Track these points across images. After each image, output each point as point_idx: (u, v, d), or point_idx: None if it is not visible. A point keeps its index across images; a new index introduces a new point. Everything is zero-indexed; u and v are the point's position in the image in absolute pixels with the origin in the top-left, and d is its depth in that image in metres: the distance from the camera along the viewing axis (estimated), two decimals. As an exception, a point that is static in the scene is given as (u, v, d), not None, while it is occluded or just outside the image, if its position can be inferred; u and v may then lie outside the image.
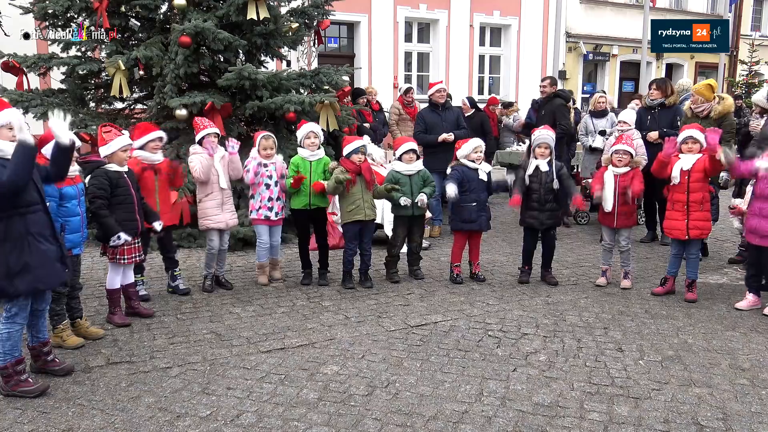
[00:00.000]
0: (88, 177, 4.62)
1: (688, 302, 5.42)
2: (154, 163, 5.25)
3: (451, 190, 5.66)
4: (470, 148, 5.86)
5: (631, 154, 5.71)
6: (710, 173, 5.34)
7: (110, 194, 4.60)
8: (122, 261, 4.75)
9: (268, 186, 5.73)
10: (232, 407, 3.54)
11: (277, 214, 5.80)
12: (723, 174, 6.57)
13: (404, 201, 5.76)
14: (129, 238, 4.66)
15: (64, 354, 4.18)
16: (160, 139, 5.34)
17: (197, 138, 5.63)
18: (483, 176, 5.87)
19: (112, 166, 4.67)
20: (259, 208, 5.76)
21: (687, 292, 5.51)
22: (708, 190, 5.43)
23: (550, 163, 5.74)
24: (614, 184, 5.68)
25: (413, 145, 6.05)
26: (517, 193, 5.74)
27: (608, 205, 5.70)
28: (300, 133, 5.87)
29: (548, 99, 8.21)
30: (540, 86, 8.41)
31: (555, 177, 5.71)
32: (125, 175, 4.73)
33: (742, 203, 5.61)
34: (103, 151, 4.67)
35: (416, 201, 5.79)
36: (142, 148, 5.21)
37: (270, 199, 5.75)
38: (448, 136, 7.63)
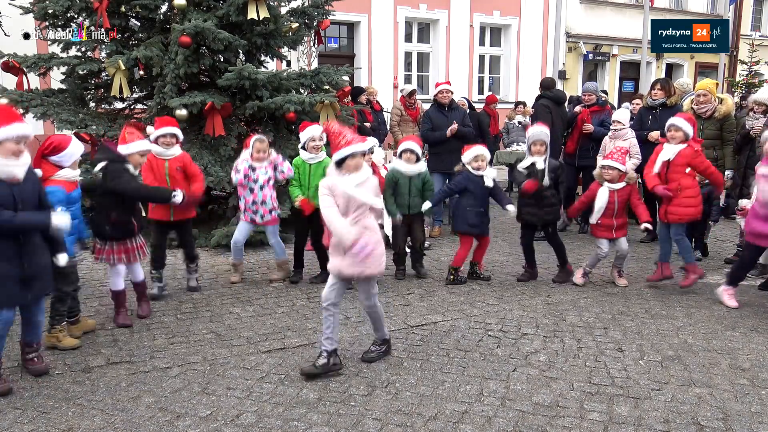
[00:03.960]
0: (104, 163, 4.54)
1: (682, 288, 5.64)
2: (167, 157, 5.30)
3: (425, 206, 5.92)
4: (471, 156, 5.86)
5: (619, 170, 5.71)
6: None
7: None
8: (120, 261, 4.72)
9: (252, 190, 5.69)
10: (232, 407, 3.54)
11: (262, 217, 5.78)
12: (728, 172, 6.58)
13: (395, 220, 5.93)
14: (181, 194, 4.81)
15: (64, 354, 4.19)
16: (173, 135, 5.35)
17: (338, 157, 4.00)
18: (489, 182, 5.85)
19: (128, 165, 4.66)
20: (245, 210, 5.77)
21: (682, 279, 5.68)
22: (691, 175, 5.52)
23: (545, 161, 5.78)
24: (612, 199, 5.70)
25: (412, 145, 6.03)
26: (523, 180, 5.81)
27: (594, 218, 5.79)
28: (303, 137, 5.85)
29: (537, 99, 8.32)
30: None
31: (546, 174, 5.77)
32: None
33: (749, 204, 5.62)
34: (122, 149, 4.67)
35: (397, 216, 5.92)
36: (156, 141, 5.25)
37: (254, 203, 5.72)
38: (454, 127, 7.66)
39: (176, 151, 5.38)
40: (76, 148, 4.19)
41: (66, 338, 4.32)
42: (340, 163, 3.85)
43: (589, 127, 7.85)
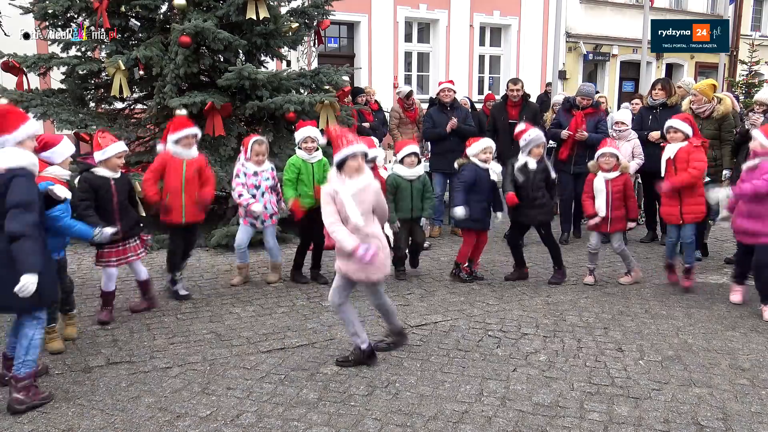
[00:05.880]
0: (78, 177, 4.63)
1: (685, 290, 5.63)
2: (186, 158, 5.27)
3: (460, 212, 5.72)
4: (479, 148, 5.86)
5: (617, 157, 5.74)
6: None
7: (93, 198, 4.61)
8: (112, 264, 4.74)
9: (254, 196, 5.66)
10: (232, 407, 3.54)
11: (263, 222, 5.78)
12: (725, 172, 6.58)
13: (394, 227, 5.84)
14: (110, 231, 4.44)
15: (64, 354, 4.19)
16: (194, 135, 5.33)
17: (338, 158, 3.85)
18: (494, 177, 5.87)
19: (100, 171, 4.65)
20: (246, 215, 5.74)
21: (684, 280, 5.69)
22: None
23: (539, 162, 5.80)
24: (607, 189, 5.71)
25: (415, 148, 6.05)
26: (510, 190, 5.79)
27: (602, 211, 5.75)
28: (298, 136, 5.85)
29: (525, 102, 8.05)
30: (514, 89, 7.94)
31: (552, 171, 5.86)
32: (112, 181, 4.67)
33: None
34: (99, 156, 4.66)
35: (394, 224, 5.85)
36: (177, 143, 5.23)
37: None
38: (454, 121, 7.60)
39: (194, 152, 5.35)
40: (66, 147, 4.26)
41: (53, 341, 4.27)
42: (340, 166, 3.82)
43: (584, 135, 7.24)
